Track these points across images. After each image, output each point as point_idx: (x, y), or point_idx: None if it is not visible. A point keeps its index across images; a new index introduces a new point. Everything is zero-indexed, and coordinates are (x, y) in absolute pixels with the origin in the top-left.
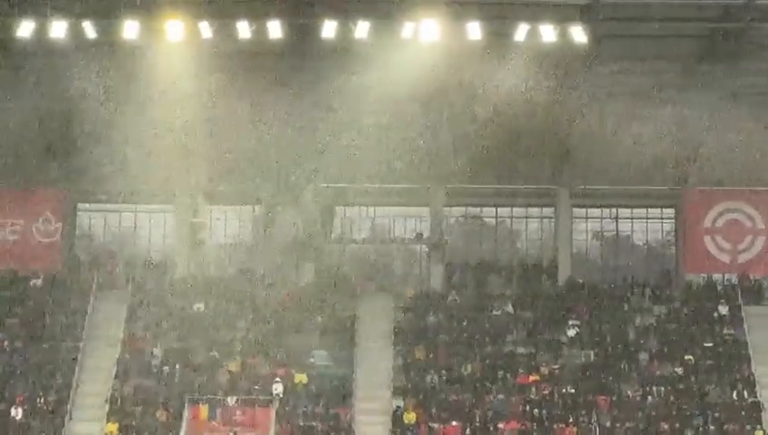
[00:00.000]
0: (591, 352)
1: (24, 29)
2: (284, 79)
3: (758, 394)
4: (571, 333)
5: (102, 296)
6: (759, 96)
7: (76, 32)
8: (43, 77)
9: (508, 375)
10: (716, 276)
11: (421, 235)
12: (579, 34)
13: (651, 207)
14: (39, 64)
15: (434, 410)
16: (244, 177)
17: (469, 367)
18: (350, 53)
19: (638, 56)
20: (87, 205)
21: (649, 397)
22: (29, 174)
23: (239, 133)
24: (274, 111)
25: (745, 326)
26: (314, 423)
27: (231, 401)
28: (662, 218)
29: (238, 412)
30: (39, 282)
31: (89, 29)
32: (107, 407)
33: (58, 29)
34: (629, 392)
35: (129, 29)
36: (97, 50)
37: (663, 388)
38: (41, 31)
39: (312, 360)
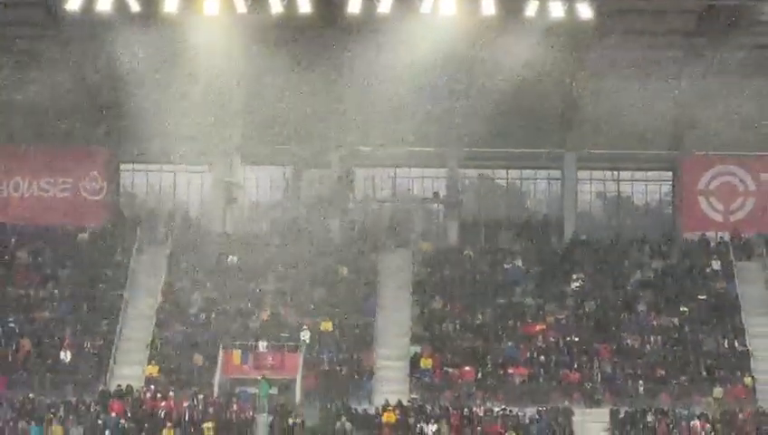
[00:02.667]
0: (594, 304)
1: (73, 3)
2: (312, 50)
3: (747, 343)
4: (576, 285)
5: (144, 250)
6: (750, 68)
7: (121, 5)
8: (90, 47)
9: (517, 324)
10: (710, 234)
11: (438, 194)
12: (585, 10)
13: (650, 170)
14: (86, 35)
15: (449, 356)
16: (275, 140)
17: (481, 316)
18: (373, 27)
19: (640, 31)
20: (130, 165)
21: (647, 345)
22: (77, 136)
23: (270, 100)
24: (303, 80)
25: (736, 281)
26: (338, 367)
27: (262, 346)
28: (660, 181)
29: (268, 357)
30: (86, 236)
31: (132, 2)
32: (148, 351)
33: (104, 2)
34: (629, 341)
35: (170, 3)
36: (140, 22)
37: (660, 337)
38: (88, 4)
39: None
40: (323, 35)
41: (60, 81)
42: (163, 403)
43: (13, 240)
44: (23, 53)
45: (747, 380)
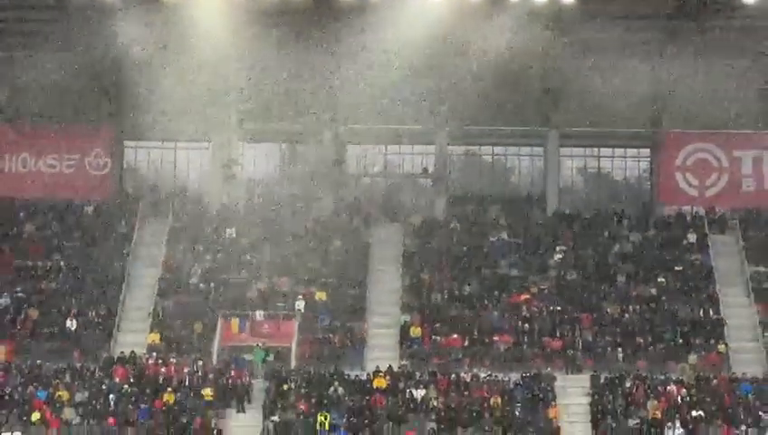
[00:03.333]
0: (575, 275)
1: None
2: (308, 33)
3: (721, 312)
4: (558, 257)
5: (146, 223)
6: (726, 49)
7: None
8: (95, 30)
9: (502, 294)
10: (686, 209)
11: (426, 170)
12: None
13: (630, 147)
14: (93, 19)
15: (437, 325)
16: (272, 118)
17: (468, 287)
18: (364, 11)
19: (620, 14)
20: (133, 142)
21: (626, 314)
22: (82, 115)
23: (267, 80)
24: (298, 62)
25: (711, 253)
26: (331, 335)
27: (259, 315)
28: (639, 157)
29: (265, 325)
30: (91, 210)
31: None
32: (150, 320)
33: None
34: (609, 310)
35: None
36: (143, 6)
37: (638, 306)
38: None
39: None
40: (318, 19)
41: (67, 62)
42: (164, 369)
43: (20, 214)
44: (32, 35)
45: (721, 347)
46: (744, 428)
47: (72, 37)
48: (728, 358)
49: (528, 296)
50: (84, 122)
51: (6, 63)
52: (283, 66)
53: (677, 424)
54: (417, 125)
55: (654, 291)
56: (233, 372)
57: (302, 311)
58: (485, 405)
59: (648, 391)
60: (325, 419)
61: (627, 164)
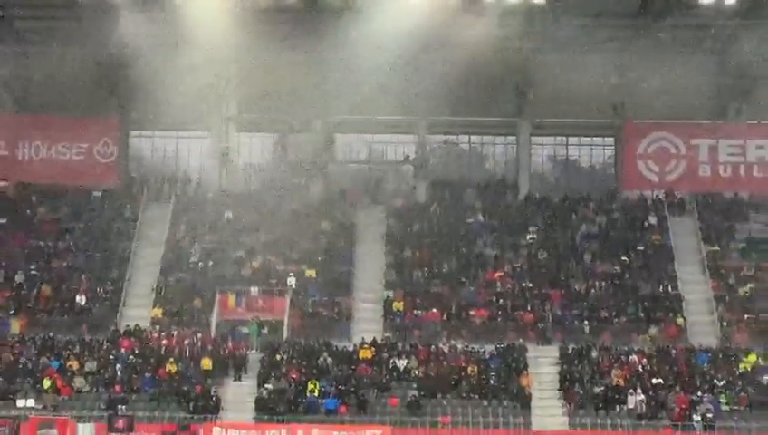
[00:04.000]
0: (546, 254)
1: None
2: (298, 31)
3: (679, 288)
4: (530, 237)
5: (150, 206)
6: (684, 46)
7: None
8: (102, 27)
9: (478, 271)
10: (647, 193)
11: (408, 157)
12: None
13: (595, 136)
14: (100, 16)
15: (418, 300)
16: (265, 109)
17: (446, 265)
18: (351, 10)
19: (587, 12)
20: (138, 132)
21: (592, 290)
22: (91, 106)
23: (261, 75)
24: (289, 57)
25: (670, 234)
26: (321, 310)
27: (254, 291)
28: (604, 145)
29: (259, 300)
30: (99, 194)
31: None
32: (153, 295)
33: None
34: (576, 286)
35: None
36: (147, 4)
37: (603, 283)
38: None
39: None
40: (308, 18)
41: (77, 57)
42: (166, 341)
43: (34, 198)
44: (44, 32)
45: (679, 320)
46: (699, 393)
47: (82, 34)
48: (685, 330)
49: (502, 274)
50: (93, 113)
51: (21, 58)
52: (276, 62)
53: (639, 390)
54: (399, 116)
55: (617, 269)
56: (230, 344)
57: (294, 287)
58: (463, 374)
59: (612, 360)
60: (315, 386)
61: (593, 152)
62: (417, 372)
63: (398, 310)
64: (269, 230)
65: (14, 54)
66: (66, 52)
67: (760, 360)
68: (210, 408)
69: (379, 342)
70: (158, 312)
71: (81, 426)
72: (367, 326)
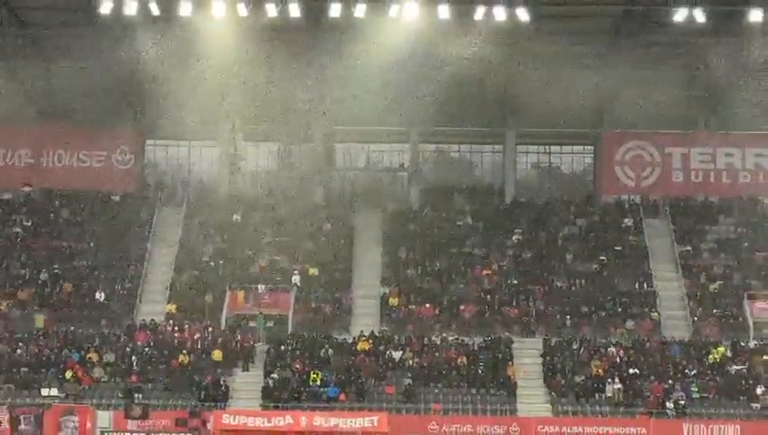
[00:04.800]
0: (530, 253)
1: (105, 7)
2: (301, 47)
3: (654, 285)
4: (515, 238)
5: (164, 210)
6: (658, 62)
7: (144, 9)
8: (119, 43)
9: (468, 270)
10: (624, 197)
11: (403, 165)
12: (523, 14)
13: (575, 144)
14: (117, 34)
15: (412, 296)
16: (271, 120)
17: (438, 263)
18: (351, 28)
19: (568, 31)
20: (153, 141)
21: (573, 287)
22: (109, 117)
23: (267, 88)
24: (293, 72)
25: (645, 234)
26: (323, 305)
27: (261, 288)
28: (583, 153)
29: (266, 296)
30: (117, 198)
31: (153, 7)
32: (167, 292)
33: (131, 7)
34: (558, 283)
35: (184, 7)
36: (160, 23)
37: (583, 280)
38: (118, 8)
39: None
40: (310, 35)
41: (96, 71)
42: (179, 334)
43: (57, 202)
44: (66, 47)
45: (654, 315)
46: (672, 382)
47: (101, 50)
48: (660, 324)
49: (489, 272)
50: (111, 124)
51: (44, 72)
52: (280, 75)
53: (616, 380)
54: (394, 126)
55: (596, 267)
56: (238, 337)
57: (298, 284)
58: (453, 364)
59: (592, 352)
60: (317, 376)
61: (573, 159)
62: (411, 363)
63: (394, 305)
64: (275, 232)
65: (38, 69)
66: (87, 66)
67: (728, 352)
68: (220, 396)
69: (376, 334)
70: (171, 307)
71: (100, 413)
72: (365, 320)
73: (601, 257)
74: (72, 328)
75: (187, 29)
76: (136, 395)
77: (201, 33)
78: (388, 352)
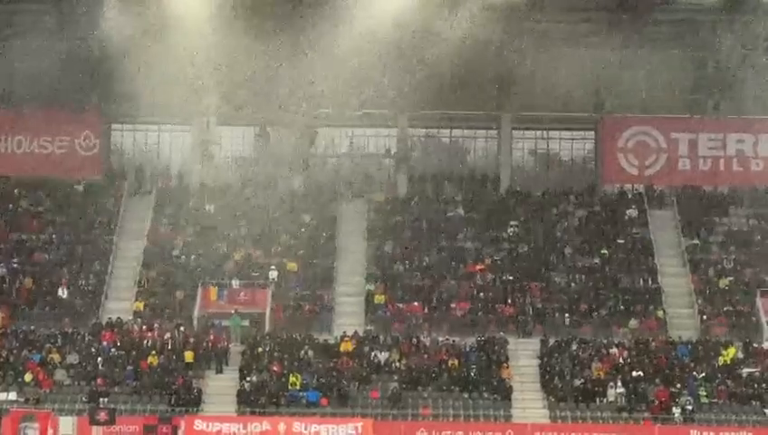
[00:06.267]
0: (526, 247)
1: None
2: (281, 24)
3: (659, 281)
4: (510, 231)
5: (132, 199)
6: (664, 40)
7: None
8: (84, 21)
9: (459, 265)
10: (627, 186)
11: (389, 151)
12: None
13: (575, 129)
14: (81, 9)
15: (399, 293)
16: (247, 103)
17: (428, 258)
18: (334, 4)
19: (567, 8)
20: (120, 125)
21: (572, 283)
22: (73, 99)
23: (243, 68)
24: (272, 51)
25: (650, 227)
26: (302, 303)
27: (235, 284)
28: (584, 139)
29: (241, 293)
30: (81, 187)
31: None
32: (135, 289)
33: None
34: (556, 279)
35: None
36: None
37: (583, 276)
38: None
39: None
40: (289, 12)
41: (58, 50)
42: (149, 334)
43: (16, 191)
44: (25, 25)
45: (659, 313)
46: (679, 386)
47: (63, 27)
48: (665, 323)
49: (483, 267)
50: (75, 106)
51: (2, 53)
52: (259, 54)
53: (619, 383)
54: (380, 109)
55: (598, 262)
56: (212, 337)
57: (275, 280)
58: (444, 366)
59: (593, 353)
60: (296, 379)
61: (573, 145)
62: (398, 365)
63: (380, 303)
64: (250, 223)
65: None
66: (48, 44)
67: (739, 353)
68: (192, 400)
69: (360, 335)
70: (139, 305)
71: (62, 419)
72: (348, 319)
73: (603, 251)
74: (33, 327)
75: (157, 5)
76: (101, 399)
77: (172, 8)
78: (373, 354)
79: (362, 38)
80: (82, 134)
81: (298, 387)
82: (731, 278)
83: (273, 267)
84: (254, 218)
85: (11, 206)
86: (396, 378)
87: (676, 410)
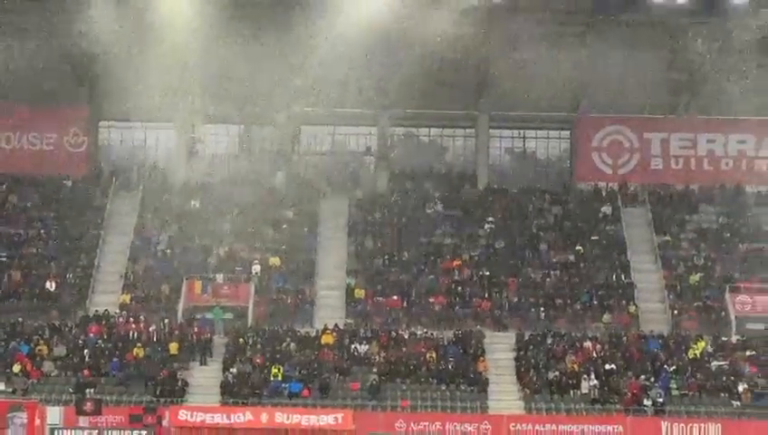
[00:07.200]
0: (503, 243)
1: None
2: (264, 24)
3: (632, 277)
4: (487, 227)
5: (118, 195)
6: (635, 44)
7: None
8: (73, 20)
9: (437, 260)
10: (601, 184)
11: (370, 149)
12: None
13: (551, 129)
14: (70, 9)
15: (379, 287)
16: (231, 101)
17: (407, 253)
18: (316, 4)
19: (546, 9)
20: (107, 122)
21: (548, 278)
22: (61, 97)
23: (227, 67)
24: (256, 50)
25: (623, 224)
26: (284, 296)
27: (219, 278)
28: (559, 138)
29: (225, 287)
30: (69, 183)
31: None
32: (122, 282)
33: None
34: (532, 274)
35: None
36: None
37: (558, 271)
38: None
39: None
40: (274, 11)
41: (47, 49)
42: (134, 326)
43: (4, 186)
44: (13, 23)
45: (631, 308)
46: (649, 379)
47: (52, 26)
48: (637, 318)
49: (460, 262)
50: (63, 104)
51: None
52: (242, 55)
53: (592, 376)
54: (362, 108)
55: (572, 258)
56: (196, 329)
57: (258, 274)
58: (422, 359)
59: (567, 347)
60: (278, 371)
61: (549, 144)
62: (377, 358)
63: (360, 297)
64: (234, 219)
65: None
66: (36, 43)
67: (708, 346)
68: (176, 391)
69: (340, 327)
70: (126, 298)
71: (49, 409)
72: (329, 313)
73: (577, 248)
74: (21, 319)
75: (143, 4)
76: (88, 390)
77: (158, 8)
78: (353, 347)
79: (344, 39)
80: (70, 131)
81: (280, 378)
82: (701, 274)
83: (256, 262)
84: (238, 214)
85: (0, 201)
86: (375, 370)
87: (648, 402)
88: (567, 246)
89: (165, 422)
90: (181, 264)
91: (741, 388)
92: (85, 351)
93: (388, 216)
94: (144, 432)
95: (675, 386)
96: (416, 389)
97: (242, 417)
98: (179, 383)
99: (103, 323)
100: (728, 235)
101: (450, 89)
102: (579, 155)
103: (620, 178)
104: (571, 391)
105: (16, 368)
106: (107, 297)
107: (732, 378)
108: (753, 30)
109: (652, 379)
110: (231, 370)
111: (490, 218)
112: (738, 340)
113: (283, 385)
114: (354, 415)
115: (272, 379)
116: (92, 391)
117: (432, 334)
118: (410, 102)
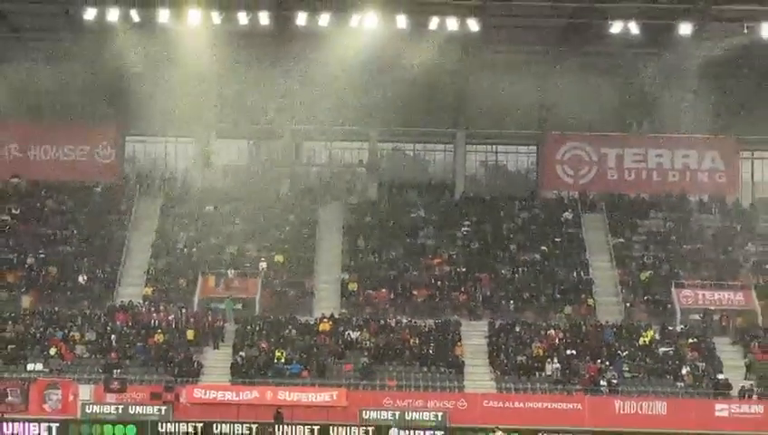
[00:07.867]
0: (477, 244)
1: (89, 13)
2: (270, 52)
3: (590, 274)
4: (464, 230)
5: (142, 201)
6: (594, 70)
7: (125, 15)
8: (103, 46)
9: (420, 258)
10: (564, 193)
11: (362, 161)
12: (474, 25)
13: (520, 144)
14: (100, 38)
15: (369, 281)
16: (242, 119)
17: (394, 252)
18: (316, 35)
19: (516, 40)
20: (133, 137)
21: (516, 275)
22: (92, 114)
23: (238, 89)
24: (263, 75)
25: (583, 227)
26: (287, 289)
27: (230, 273)
28: (528, 153)
29: (235, 281)
30: (99, 189)
31: (134, 14)
32: (145, 276)
33: (113, 14)
34: (503, 271)
35: (163, 14)
36: (140, 28)
37: (526, 268)
38: (101, 15)
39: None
40: (278, 41)
41: (80, 72)
42: (155, 315)
43: (43, 192)
44: (52, 49)
45: (590, 301)
46: (605, 363)
47: (85, 53)
48: (595, 309)
49: (440, 260)
50: (94, 121)
51: (31, 73)
52: (251, 78)
53: (555, 360)
54: (355, 126)
55: (538, 257)
56: (210, 318)
57: (265, 270)
58: (406, 344)
59: (533, 334)
60: (281, 354)
61: (518, 158)
62: (368, 343)
63: (353, 290)
64: (244, 222)
65: (26, 69)
66: (71, 67)
67: (656, 335)
68: (192, 372)
69: (336, 316)
70: (148, 290)
71: (81, 387)
72: (326, 303)
73: (543, 248)
74: (57, 308)
75: (165, 34)
76: (115, 370)
77: (178, 38)
78: (346, 333)
79: (339, 65)
80: (100, 144)
81: (283, 361)
82: (650, 272)
83: (262, 259)
84: (247, 218)
85: (39, 205)
86: (366, 354)
87: (604, 383)
88: (534, 246)
89: (182, 399)
90: (197, 260)
91: (684, 371)
92: (112, 336)
93: (377, 219)
94: (164, 408)
95: (627, 369)
96: (401, 370)
97: (249, 395)
98: (195, 365)
99: (128, 312)
100: (674, 237)
101: (431, 109)
102: (544, 167)
103: (580, 187)
104: (537, 373)
105: (53, 351)
106: (132, 290)
107: (676, 362)
108: (696, 58)
109: (607, 363)
110: (240, 353)
111: (466, 222)
112: (682, 329)
113: (286, 367)
114: (347, 393)
115: (275, 361)
116: (119, 371)
117: (415, 323)
118: (397, 121)
